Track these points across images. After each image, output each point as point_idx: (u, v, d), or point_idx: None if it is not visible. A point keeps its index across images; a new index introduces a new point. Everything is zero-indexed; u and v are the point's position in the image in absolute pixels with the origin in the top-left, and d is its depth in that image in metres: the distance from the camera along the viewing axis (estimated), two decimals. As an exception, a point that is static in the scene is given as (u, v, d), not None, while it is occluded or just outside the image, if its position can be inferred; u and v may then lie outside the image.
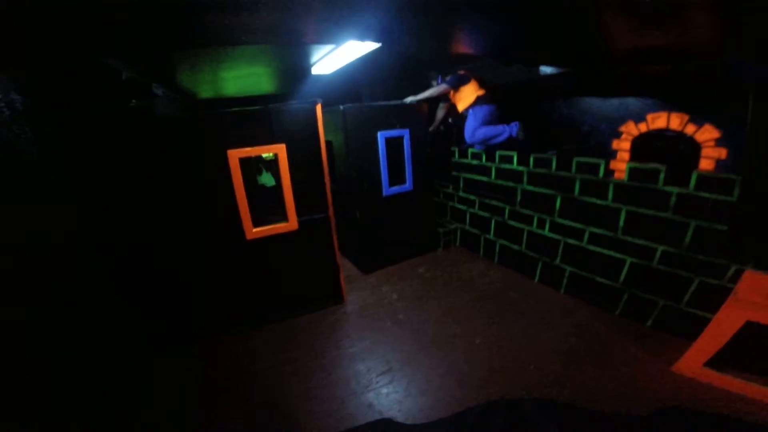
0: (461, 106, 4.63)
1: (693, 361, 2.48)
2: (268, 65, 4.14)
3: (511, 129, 4.26)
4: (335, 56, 3.62)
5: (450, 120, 5.27)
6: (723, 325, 2.32)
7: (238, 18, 2.10)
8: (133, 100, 3.28)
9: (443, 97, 4.75)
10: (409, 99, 4.60)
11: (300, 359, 3.13)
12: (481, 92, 4.45)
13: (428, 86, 4.75)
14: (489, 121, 4.47)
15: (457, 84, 4.52)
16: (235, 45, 2.84)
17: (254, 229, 3.42)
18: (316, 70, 4.39)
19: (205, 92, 5.84)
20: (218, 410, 2.65)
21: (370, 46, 3.19)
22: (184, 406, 2.74)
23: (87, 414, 2.57)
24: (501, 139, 4.36)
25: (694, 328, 2.53)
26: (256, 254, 3.51)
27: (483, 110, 4.44)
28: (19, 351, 1.95)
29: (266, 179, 5.76)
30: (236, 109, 3.14)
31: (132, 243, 3.08)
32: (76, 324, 2.52)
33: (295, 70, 4.59)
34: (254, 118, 3.21)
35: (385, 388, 2.71)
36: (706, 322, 2.44)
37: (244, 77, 4.72)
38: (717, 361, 2.40)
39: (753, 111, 2.47)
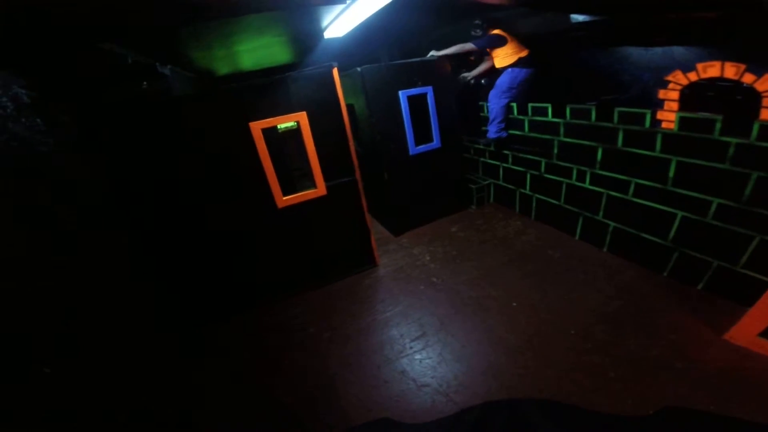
0: (499, 63, 4.29)
1: (748, 329, 2.28)
2: (280, 33, 3.98)
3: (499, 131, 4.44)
4: (347, 16, 3.38)
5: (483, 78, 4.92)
6: None
7: None
8: (144, 83, 3.24)
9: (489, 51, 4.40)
10: (432, 53, 4.40)
11: (337, 325, 3.19)
12: (523, 53, 4.08)
13: (460, 40, 4.42)
14: (523, 89, 4.19)
15: (487, 45, 4.19)
16: (239, 15, 2.68)
17: (284, 198, 3.42)
18: (329, 34, 4.17)
19: (223, 69, 5.81)
20: (262, 378, 2.77)
21: (383, 1, 2.92)
22: (230, 374, 2.88)
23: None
24: (492, 117, 4.44)
25: (750, 293, 2.32)
26: (289, 222, 3.53)
27: (521, 74, 4.12)
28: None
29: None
30: (253, 81, 3.08)
31: (167, 223, 3.17)
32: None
33: (307, 37, 4.40)
34: (271, 88, 3.14)
35: (418, 354, 2.72)
36: (765, 286, 2.22)
37: (257, 49, 4.62)
38: None
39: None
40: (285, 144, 3.86)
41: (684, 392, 2.08)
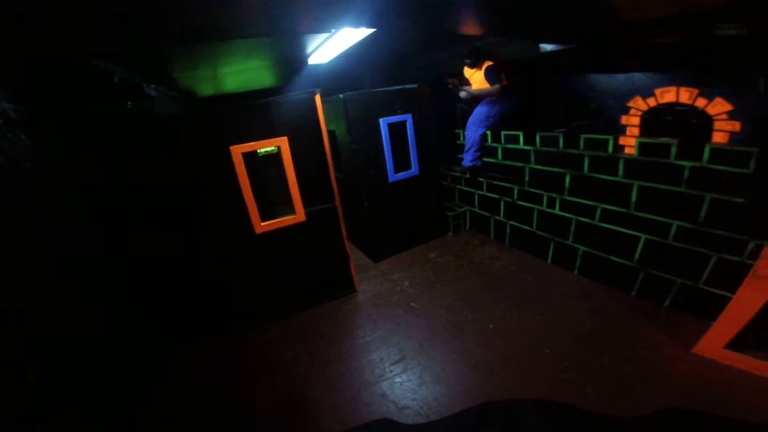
0: (475, 85, 4.50)
1: (713, 342, 2.41)
2: (265, 58, 4.07)
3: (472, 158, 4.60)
4: (331, 45, 3.54)
5: (461, 105, 5.15)
6: (743, 305, 2.23)
7: (226, 11, 2.03)
8: (129, 102, 3.26)
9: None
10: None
11: (316, 350, 3.16)
12: (505, 83, 4.28)
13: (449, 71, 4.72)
14: (500, 119, 4.39)
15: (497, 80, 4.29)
16: (227, 39, 2.78)
17: (262, 224, 3.42)
18: (313, 60, 4.31)
19: (206, 90, 5.79)
20: (240, 404, 2.70)
21: (366, 32, 3.10)
22: (206, 399, 2.79)
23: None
24: (468, 146, 4.61)
25: (713, 308, 2.45)
26: (267, 248, 3.52)
27: (499, 104, 4.34)
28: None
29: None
30: (235, 104, 3.12)
31: (143, 243, 3.11)
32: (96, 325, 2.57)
33: (292, 62, 4.51)
34: (254, 112, 3.19)
35: (398, 377, 2.72)
36: (726, 301, 2.35)
37: (242, 72, 4.67)
38: (739, 343, 2.32)
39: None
40: (265, 169, 3.88)
41: (660, 406, 2.15)
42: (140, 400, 2.84)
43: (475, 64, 4.34)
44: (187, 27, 2.29)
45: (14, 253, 1.84)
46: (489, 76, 4.20)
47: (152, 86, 3.68)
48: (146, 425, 2.62)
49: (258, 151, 3.36)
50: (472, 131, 4.51)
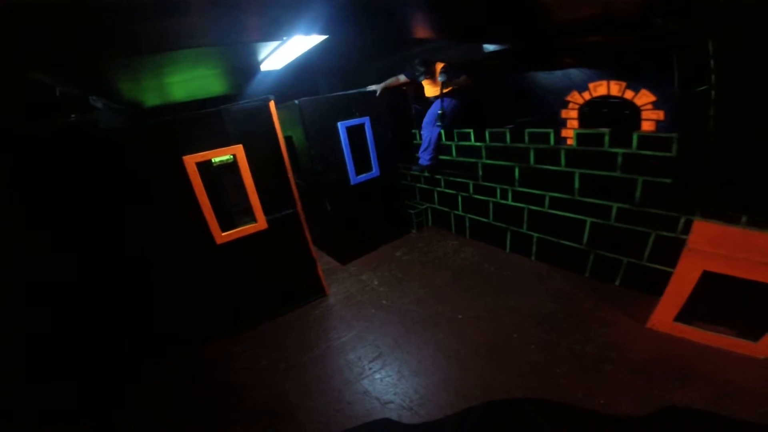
0: (429, 92, 4.73)
1: (664, 316, 2.62)
2: (214, 66, 4.00)
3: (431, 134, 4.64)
4: (284, 51, 3.53)
5: (414, 105, 5.31)
6: (683, 278, 2.46)
7: (170, 21, 2.00)
8: (72, 115, 3.10)
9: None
10: (371, 87, 4.66)
11: (293, 356, 3.16)
12: (447, 89, 4.47)
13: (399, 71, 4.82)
14: (453, 117, 4.56)
15: (413, 76, 4.65)
16: (172, 50, 2.71)
17: (223, 234, 3.36)
18: (265, 67, 4.27)
19: (151, 100, 5.57)
20: (218, 416, 2.66)
21: (318, 38, 3.13)
22: (180, 413, 2.73)
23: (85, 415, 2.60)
24: (425, 145, 4.73)
25: (659, 284, 2.68)
26: (230, 257, 3.46)
27: (450, 103, 4.50)
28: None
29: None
30: (185, 114, 3.06)
31: (101, 257, 3.00)
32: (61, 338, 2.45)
33: (243, 69, 4.46)
34: (206, 121, 3.13)
35: (378, 374, 2.78)
36: (669, 276, 2.58)
37: (190, 81, 4.54)
38: (688, 315, 2.53)
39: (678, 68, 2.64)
40: (221, 179, 3.80)
41: (624, 381, 2.34)
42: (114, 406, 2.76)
43: (428, 72, 4.52)
44: (131, 39, 2.22)
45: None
46: (449, 74, 4.33)
47: (97, 99, 3.51)
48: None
49: (213, 160, 3.30)
50: (428, 130, 4.66)
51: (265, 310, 3.76)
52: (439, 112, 4.36)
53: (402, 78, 4.69)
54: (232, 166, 3.46)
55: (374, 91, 4.60)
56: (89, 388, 2.99)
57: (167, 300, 3.33)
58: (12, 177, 2.54)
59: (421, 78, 4.58)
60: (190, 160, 3.08)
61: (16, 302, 2.49)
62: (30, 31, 1.69)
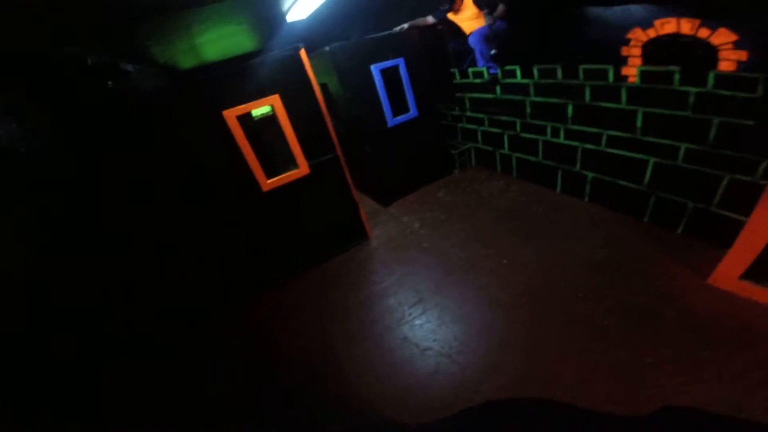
0: (468, 28, 4.37)
1: (728, 272, 2.33)
2: (240, 22, 3.91)
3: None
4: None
5: (452, 43, 4.90)
6: (758, 230, 2.13)
7: None
8: (109, 82, 3.13)
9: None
10: (398, 28, 4.47)
11: (336, 302, 3.27)
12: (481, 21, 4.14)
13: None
14: (500, 38, 4.15)
15: (442, 15, 4.42)
16: (196, 6, 2.60)
17: (268, 181, 3.42)
18: (291, 17, 4.09)
19: (186, 62, 5.64)
20: (272, 363, 2.85)
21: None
22: (239, 363, 2.96)
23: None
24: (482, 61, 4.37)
25: (728, 234, 2.39)
26: (276, 205, 3.55)
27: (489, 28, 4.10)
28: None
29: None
30: (218, 70, 3.03)
31: (157, 219, 3.16)
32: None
33: (269, 22, 4.32)
34: (240, 75, 3.10)
35: (418, 320, 2.82)
36: (740, 226, 2.27)
37: (220, 39, 4.53)
38: (757, 272, 2.22)
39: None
40: (263, 132, 3.82)
41: (676, 339, 2.16)
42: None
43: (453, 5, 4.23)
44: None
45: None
46: (440, 12, 4.19)
47: (129, 65, 3.52)
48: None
49: (252, 113, 3.27)
50: (478, 47, 4.34)
51: (312, 256, 3.89)
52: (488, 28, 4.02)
53: (430, 19, 4.45)
54: (271, 118, 3.44)
55: (401, 30, 4.39)
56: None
57: (224, 254, 3.52)
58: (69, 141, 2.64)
59: (450, 10, 4.28)
60: (231, 114, 3.10)
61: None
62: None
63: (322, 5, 3.75)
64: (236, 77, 3.09)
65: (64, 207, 2.48)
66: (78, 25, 2.04)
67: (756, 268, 2.21)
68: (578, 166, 3.65)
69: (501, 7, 3.98)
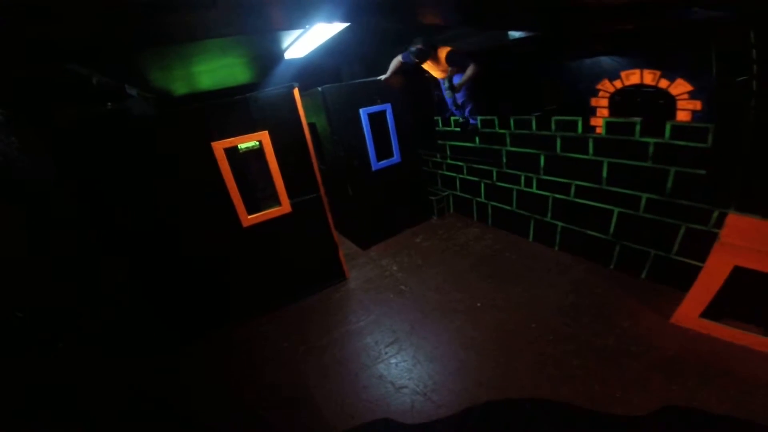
0: (436, 75, 4.47)
1: (689, 311, 2.54)
2: (240, 55, 4.11)
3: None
4: (307, 39, 3.54)
5: (436, 92, 5.20)
6: (713, 273, 2.37)
7: (197, 14, 2.04)
8: (108, 103, 3.23)
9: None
10: (382, 77, 4.51)
11: (312, 338, 3.25)
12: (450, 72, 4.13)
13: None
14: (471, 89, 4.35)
15: (409, 59, 4.22)
16: (199, 40, 2.77)
17: (249, 216, 3.46)
18: (289, 55, 4.31)
19: (180, 89, 5.73)
20: (240, 394, 2.77)
21: (340, 26, 3.12)
22: (206, 391, 2.86)
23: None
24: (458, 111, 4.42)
25: (687, 278, 2.59)
26: (256, 240, 3.56)
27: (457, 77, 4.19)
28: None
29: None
30: (213, 101, 3.14)
31: (132, 243, 3.13)
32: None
33: (267, 57, 4.53)
34: (233, 108, 3.22)
35: (393, 359, 2.83)
36: (697, 270, 2.49)
37: (217, 69, 4.67)
38: (714, 311, 2.44)
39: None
40: (247, 165, 3.91)
41: (643, 376, 2.29)
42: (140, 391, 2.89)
43: (428, 54, 4.12)
44: (161, 31, 2.28)
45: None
46: (455, 59, 4.05)
47: (134, 88, 3.65)
48: (147, 416, 2.69)
49: (239, 146, 3.38)
50: (450, 102, 4.38)
51: (289, 294, 3.87)
52: (447, 86, 4.07)
53: (399, 59, 4.29)
54: (258, 152, 3.54)
55: (383, 80, 4.46)
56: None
57: (196, 283, 3.46)
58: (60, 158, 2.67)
59: (415, 59, 4.16)
60: (219, 146, 3.17)
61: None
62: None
63: (319, 46, 3.95)
64: (230, 110, 3.19)
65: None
66: (84, 46, 2.14)
67: (713, 307, 2.43)
68: (549, 215, 3.87)
69: (471, 68, 4.00)
